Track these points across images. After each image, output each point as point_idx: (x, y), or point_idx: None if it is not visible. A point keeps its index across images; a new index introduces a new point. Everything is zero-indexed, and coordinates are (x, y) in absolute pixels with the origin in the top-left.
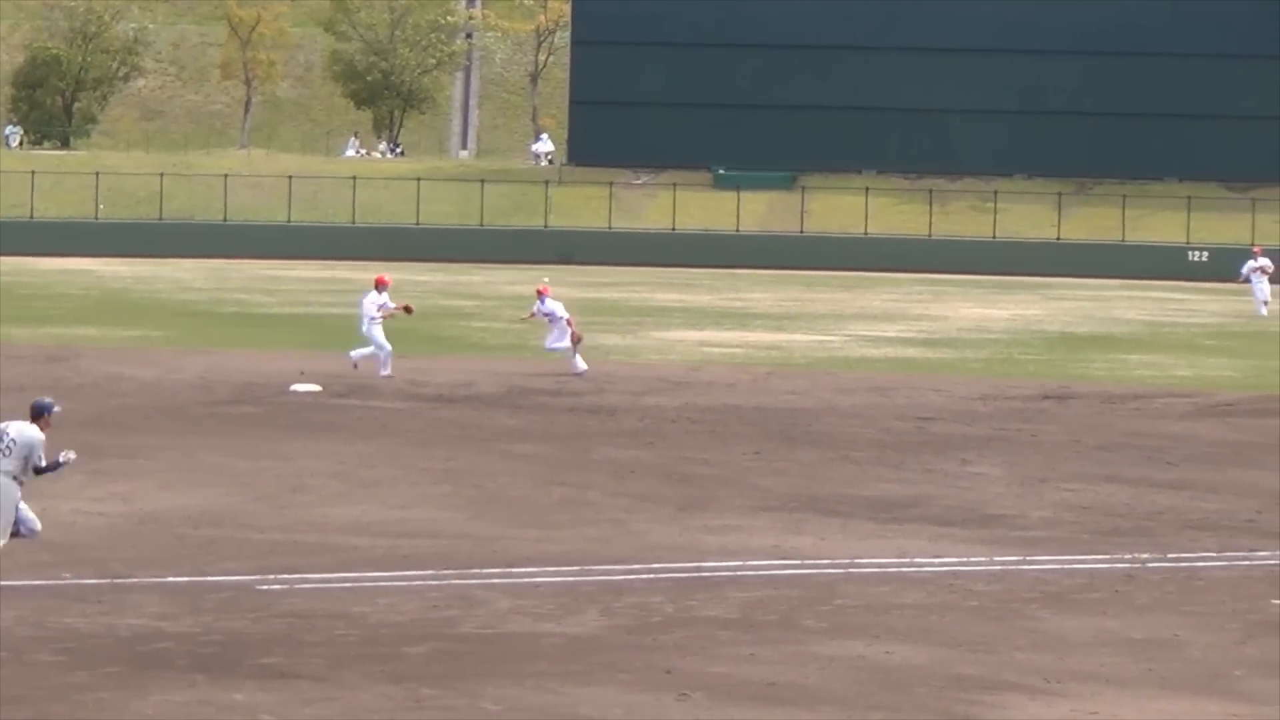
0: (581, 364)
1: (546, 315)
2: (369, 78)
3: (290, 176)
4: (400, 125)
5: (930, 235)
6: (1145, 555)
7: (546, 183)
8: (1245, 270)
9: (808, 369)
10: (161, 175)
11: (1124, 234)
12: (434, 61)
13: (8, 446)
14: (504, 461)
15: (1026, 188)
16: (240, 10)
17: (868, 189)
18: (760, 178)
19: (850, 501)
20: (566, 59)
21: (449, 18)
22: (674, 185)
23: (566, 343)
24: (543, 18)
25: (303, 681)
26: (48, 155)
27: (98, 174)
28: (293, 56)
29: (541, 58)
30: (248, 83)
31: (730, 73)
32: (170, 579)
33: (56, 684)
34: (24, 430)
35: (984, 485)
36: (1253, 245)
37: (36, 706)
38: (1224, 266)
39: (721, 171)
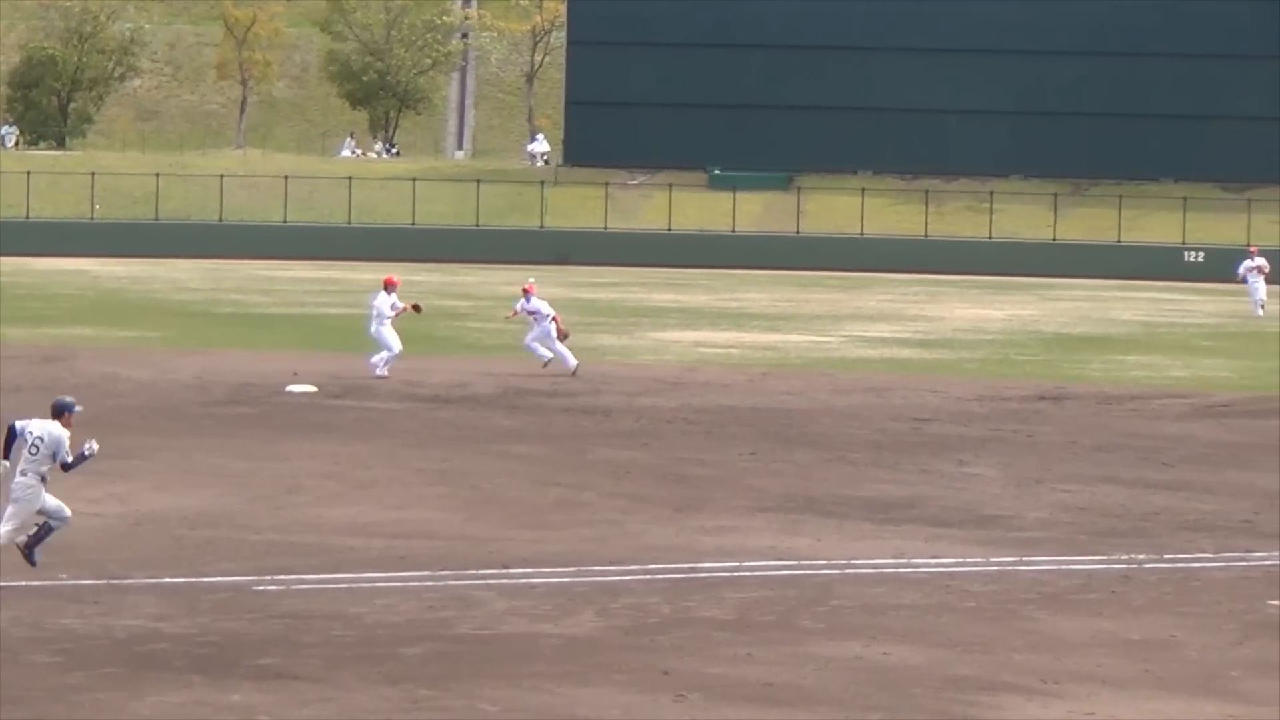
0: (571, 360)
1: (531, 313)
2: (365, 78)
3: (286, 177)
4: (396, 125)
5: (926, 236)
6: (1142, 556)
7: (542, 183)
8: (1241, 270)
9: (804, 369)
10: (157, 175)
11: (1120, 235)
12: (430, 62)
13: (34, 445)
14: (500, 462)
15: (1022, 188)
16: (236, 10)
17: (864, 189)
18: (756, 178)
19: (846, 502)
20: (562, 59)
21: (445, 18)
22: (670, 185)
23: (543, 349)
24: (538, 18)
25: (299, 682)
26: (43, 155)
27: (93, 174)
28: (288, 56)
29: (537, 58)
30: (243, 83)
31: (726, 73)
32: (167, 580)
33: (53, 685)
34: (49, 428)
35: (980, 486)
36: (1249, 245)
37: (34, 707)
38: (1220, 267)
39: (717, 172)
